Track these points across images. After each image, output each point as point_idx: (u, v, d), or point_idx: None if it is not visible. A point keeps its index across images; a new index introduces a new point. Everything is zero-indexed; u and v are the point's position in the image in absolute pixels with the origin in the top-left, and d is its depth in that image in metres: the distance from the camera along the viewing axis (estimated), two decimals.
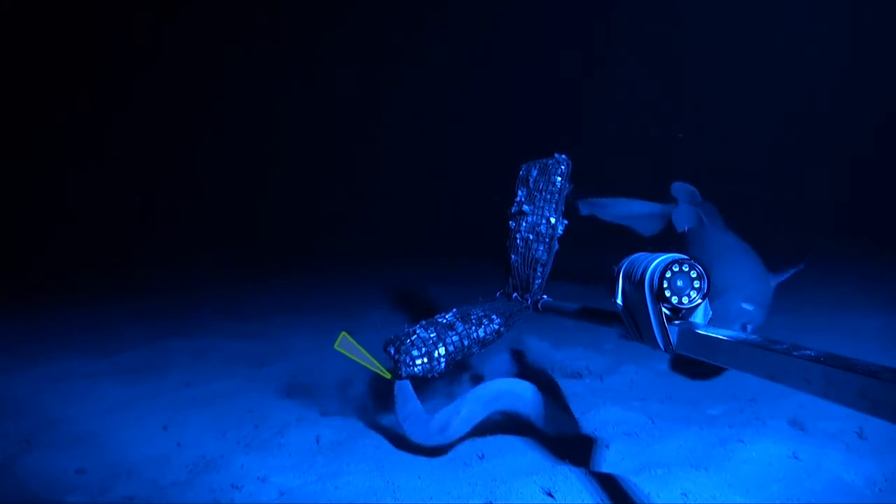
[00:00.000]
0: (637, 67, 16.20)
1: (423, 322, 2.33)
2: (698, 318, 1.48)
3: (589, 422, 2.39)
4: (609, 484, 1.85)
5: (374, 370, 2.24)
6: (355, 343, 2.22)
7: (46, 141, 13.15)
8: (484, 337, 2.32)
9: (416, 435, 2.17)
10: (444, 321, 2.32)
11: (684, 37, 15.56)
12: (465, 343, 2.27)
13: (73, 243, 9.72)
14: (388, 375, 2.23)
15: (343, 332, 2.22)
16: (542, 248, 2.47)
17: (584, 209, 4.78)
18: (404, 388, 2.19)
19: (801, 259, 3.74)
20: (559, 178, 2.49)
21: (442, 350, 2.21)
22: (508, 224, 2.61)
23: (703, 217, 4.11)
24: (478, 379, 3.05)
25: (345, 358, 2.40)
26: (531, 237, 2.49)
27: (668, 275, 1.44)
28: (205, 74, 14.84)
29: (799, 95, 14.07)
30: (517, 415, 2.29)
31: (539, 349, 3.43)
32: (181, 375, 3.23)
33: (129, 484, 1.99)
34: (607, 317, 1.88)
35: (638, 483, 1.85)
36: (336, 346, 2.21)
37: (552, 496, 1.79)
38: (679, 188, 4.77)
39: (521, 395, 2.28)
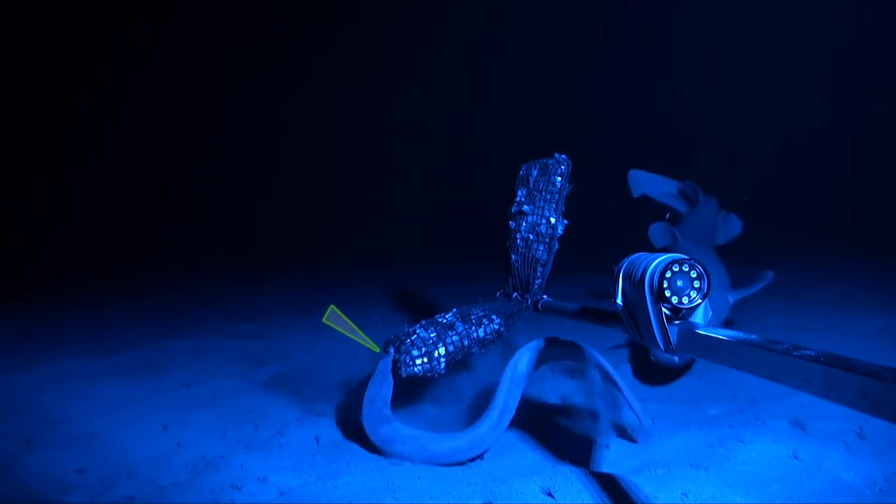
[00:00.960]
0: (637, 67, 16.20)
1: (423, 322, 2.33)
2: (698, 318, 1.48)
3: (589, 422, 2.38)
4: (609, 484, 1.85)
5: (363, 343, 2.25)
6: (343, 317, 2.22)
7: (46, 141, 13.14)
8: (484, 337, 2.32)
9: (368, 420, 2.16)
10: (445, 321, 2.32)
11: (684, 37, 15.56)
12: (465, 343, 2.27)
13: (73, 243, 9.73)
14: (376, 349, 2.24)
15: (331, 306, 2.22)
16: (542, 248, 2.47)
17: (635, 190, 4.78)
18: (385, 370, 2.19)
19: (764, 277, 3.74)
20: (559, 178, 2.50)
21: (442, 350, 2.21)
22: (508, 224, 2.61)
23: (676, 233, 4.11)
24: (476, 380, 3.05)
25: (344, 358, 2.40)
26: (531, 237, 2.50)
27: (668, 275, 1.44)
28: (205, 74, 14.84)
29: (799, 95, 14.07)
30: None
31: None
32: (181, 375, 3.22)
33: (129, 484, 1.99)
34: (607, 317, 1.88)
35: (638, 483, 1.85)
36: (324, 320, 2.21)
37: (552, 496, 1.79)
38: (688, 186, 4.82)
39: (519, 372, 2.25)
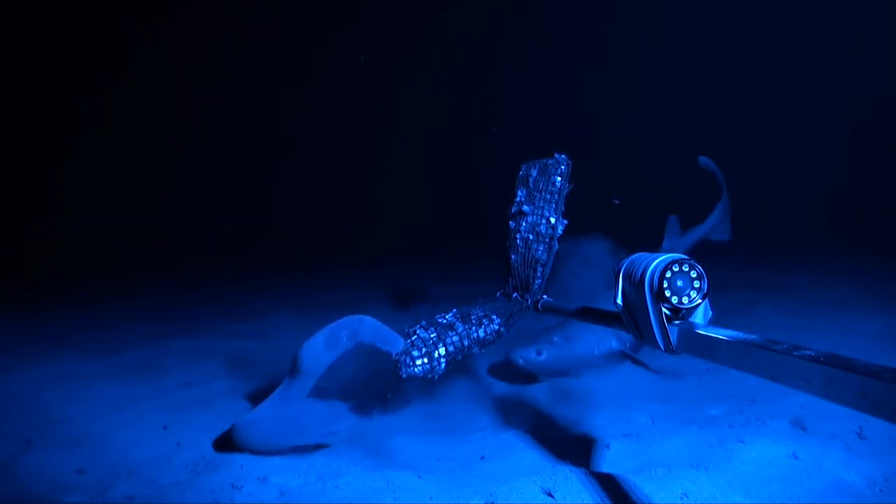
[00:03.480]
0: (637, 67, 16.21)
1: (424, 322, 2.32)
2: (698, 317, 1.48)
3: (589, 422, 2.38)
4: (609, 484, 1.85)
5: None
6: None
7: (46, 141, 13.14)
8: (484, 337, 2.32)
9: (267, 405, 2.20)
10: (445, 321, 2.32)
11: (684, 37, 15.56)
12: (466, 343, 2.26)
13: (73, 244, 9.72)
14: None
15: None
16: (542, 248, 2.47)
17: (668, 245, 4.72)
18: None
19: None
20: (559, 178, 2.49)
21: (442, 350, 2.20)
22: (508, 224, 2.61)
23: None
24: (476, 379, 3.05)
25: None
26: (531, 237, 2.49)
27: (668, 275, 1.43)
28: (205, 75, 14.85)
29: (799, 94, 14.06)
30: None
31: None
32: (181, 375, 3.23)
33: (129, 484, 1.99)
34: (607, 317, 1.88)
35: (638, 483, 1.85)
36: None
37: (552, 496, 1.79)
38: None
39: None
